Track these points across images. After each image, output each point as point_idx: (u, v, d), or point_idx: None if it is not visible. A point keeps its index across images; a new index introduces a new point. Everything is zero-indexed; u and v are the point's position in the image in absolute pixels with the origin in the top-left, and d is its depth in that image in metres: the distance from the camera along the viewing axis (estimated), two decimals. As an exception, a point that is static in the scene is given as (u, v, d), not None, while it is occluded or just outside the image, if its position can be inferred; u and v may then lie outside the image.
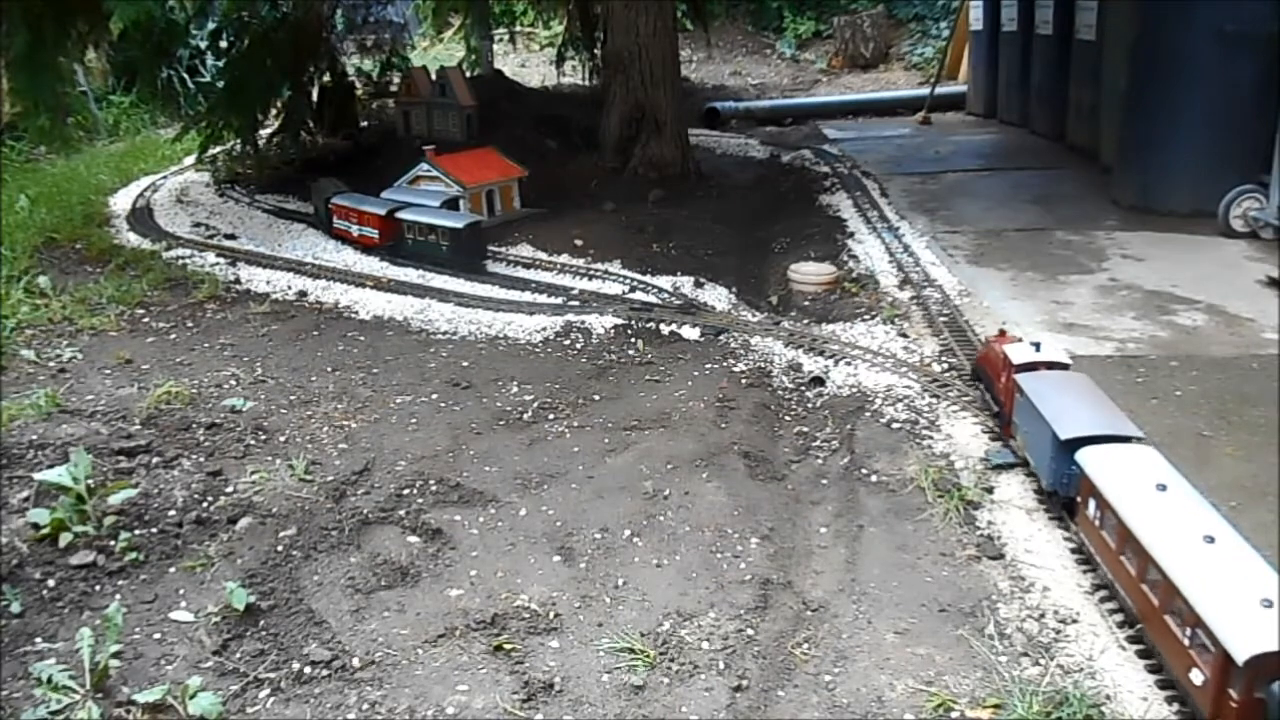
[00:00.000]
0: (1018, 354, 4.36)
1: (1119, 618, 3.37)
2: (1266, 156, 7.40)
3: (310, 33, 10.46)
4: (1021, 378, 4.18)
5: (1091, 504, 3.50)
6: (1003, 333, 4.93)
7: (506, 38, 17.62)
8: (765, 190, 10.12)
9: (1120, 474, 3.41)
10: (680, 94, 10.42)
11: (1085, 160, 10.39)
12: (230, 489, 4.34)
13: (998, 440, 4.60)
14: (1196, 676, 2.80)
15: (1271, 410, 4.77)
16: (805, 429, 5.01)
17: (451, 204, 8.09)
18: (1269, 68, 7.63)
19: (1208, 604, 2.74)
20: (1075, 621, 3.41)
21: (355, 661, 3.33)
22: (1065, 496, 3.82)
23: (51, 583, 3.62)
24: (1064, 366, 4.37)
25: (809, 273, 6.84)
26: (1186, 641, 2.85)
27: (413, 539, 4.02)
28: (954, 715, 3.04)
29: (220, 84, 10.96)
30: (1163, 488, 3.27)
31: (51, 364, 5.80)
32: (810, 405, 5.27)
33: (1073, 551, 3.78)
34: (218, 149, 10.67)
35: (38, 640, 3.38)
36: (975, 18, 13.88)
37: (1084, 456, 3.56)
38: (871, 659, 3.30)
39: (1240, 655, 2.58)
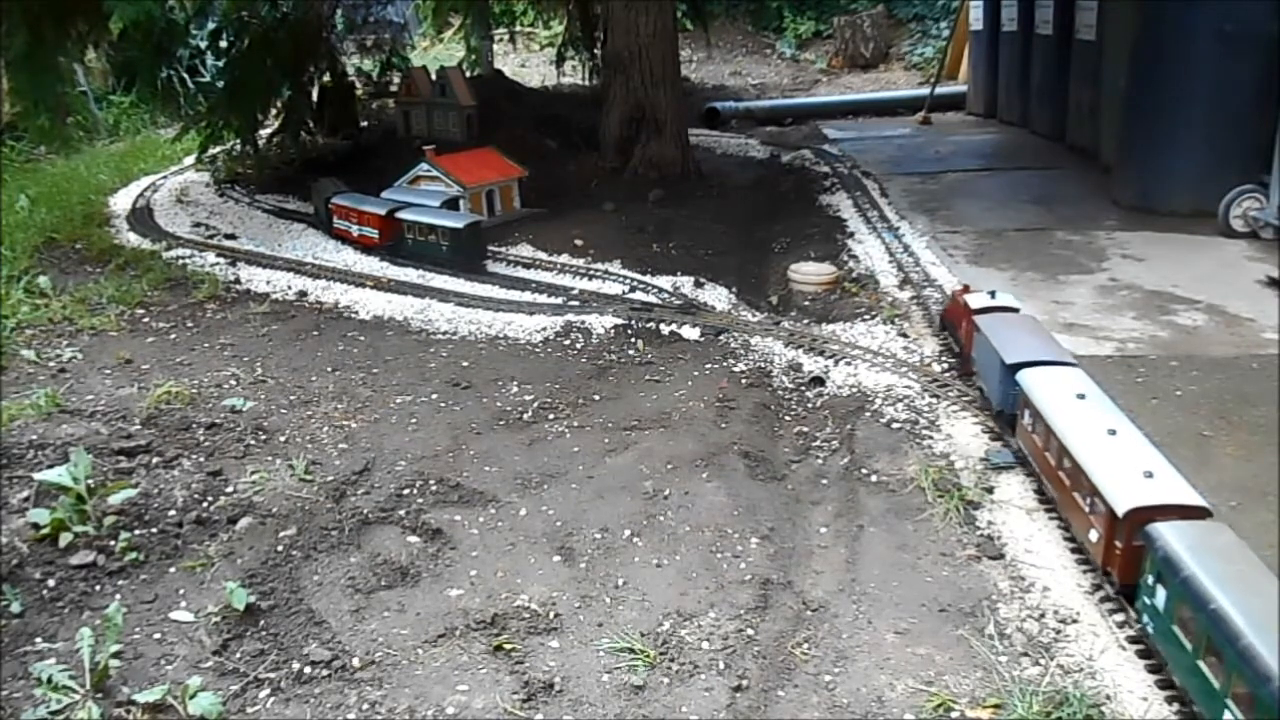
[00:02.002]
0: (976, 301, 5.11)
1: (1119, 617, 3.38)
2: (1266, 156, 7.40)
3: (310, 33, 10.47)
4: (978, 319, 4.87)
5: (1027, 414, 4.18)
6: (966, 287, 5.49)
7: (506, 38, 17.62)
8: (765, 190, 10.12)
9: (1049, 388, 4.07)
10: (680, 94, 10.42)
11: (1085, 160, 10.39)
12: (230, 489, 4.34)
13: (998, 440, 4.60)
14: (1093, 535, 3.49)
15: (1271, 410, 4.77)
16: (805, 429, 5.01)
17: (451, 204, 8.10)
18: (1269, 68, 7.64)
19: (1102, 476, 3.42)
20: (1075, 621, 3.41)
21: (355, 661, 3.33)
22: (1010, 413, 4.43)
23: (51, 583, 3.63)
24: (1014, 310, 5.02)
25: (809, 273, 6.84)
26: (1087, 509, 3.53)
27: (413, 539, 4.02)
28: (954, 715, 3.04)
29: (220, 84, 10.96)
30: (1082, 396, 3.95)
31: (51, 364, 5.80)
32: (810, 405, 5.27)
33: (1072, 551, 3.79)
34: (218, 149, 10.68)
35: (38, 640, 3.38)
36: (975, 18, 13.88)
37: (1022, 376, 4.23)
38: (871, 659, 3.30)
39: (1121, 509, 3.26)
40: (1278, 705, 2.44)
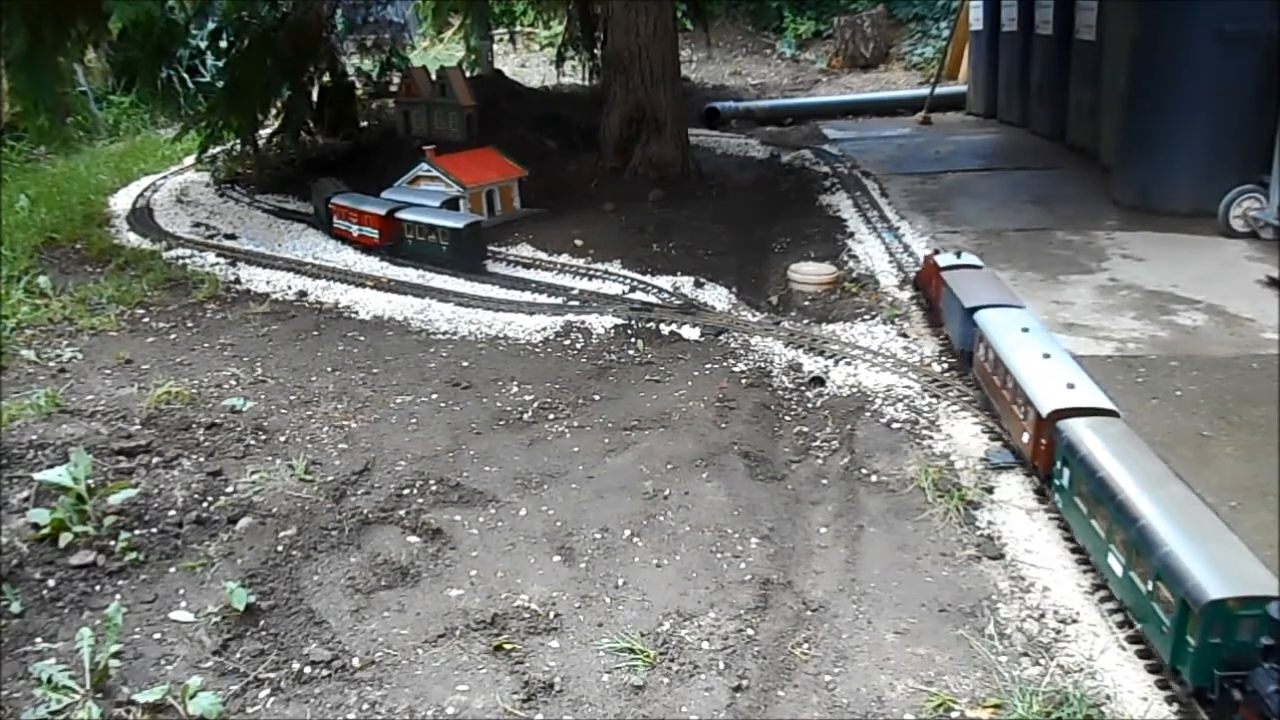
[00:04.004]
0: (943, 260, 5.87)
1: (1119, 618, 3.38)
2: (1266, 156, 7.40)
3: (310, 33, 10.46)
4: (945, 274, 5.61)
5: (981, 347, 4.84)
6: (936, 251, 6.32)
7: (506, 38, 17.62)
8: (765, 190, 10.12)
9: (999, 324, 4.74)
10: (680, 94, 10.41)
11: (1085, 160, 10.39)
12: (230, 489, 4.34)
13: (998, 440, 4.60)
14: (1025, 436, 4.18)
15: (1271, 410, 4.77)
16: (805, 429, 5.01)
17: (451, 204, 8.10)
18: (1269, 68, 7.63)
19: (1033, 387, 4.10)
20: (1075, 621, 3.41)
21: (355, 661, 3.33)
22: (968, 350, 5.08)
23: (51, 583, 3.63)
24: (977, 268, 5.74)
25: (809, 273, 6.84)
26: (1022, 416, 4.20)
27: (413, 539, 4.02)
28: (954, 715, 3.04)
29: (220, 84, 10.95)
30: (1025, 330, 4.59)
31: (51, 364, 5.80)
32: (810, 405, 5.27)
33: (1072, 552, 3.79)
34: (218, 149, 10.67)
35: (38, 640, 3.38)
36: (975, 18, 13.87)
37: (978, 316, 4.89)
38: (871, 659, 3.30)
39: (1045, 411, 3.93)
40: (1141, 541, 3.10)
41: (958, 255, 5.93)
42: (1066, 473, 3.72)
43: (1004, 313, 4.85)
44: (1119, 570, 3.29)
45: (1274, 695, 2.59)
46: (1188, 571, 2.87)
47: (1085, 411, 3.85)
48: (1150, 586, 3.07)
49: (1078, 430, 3.70)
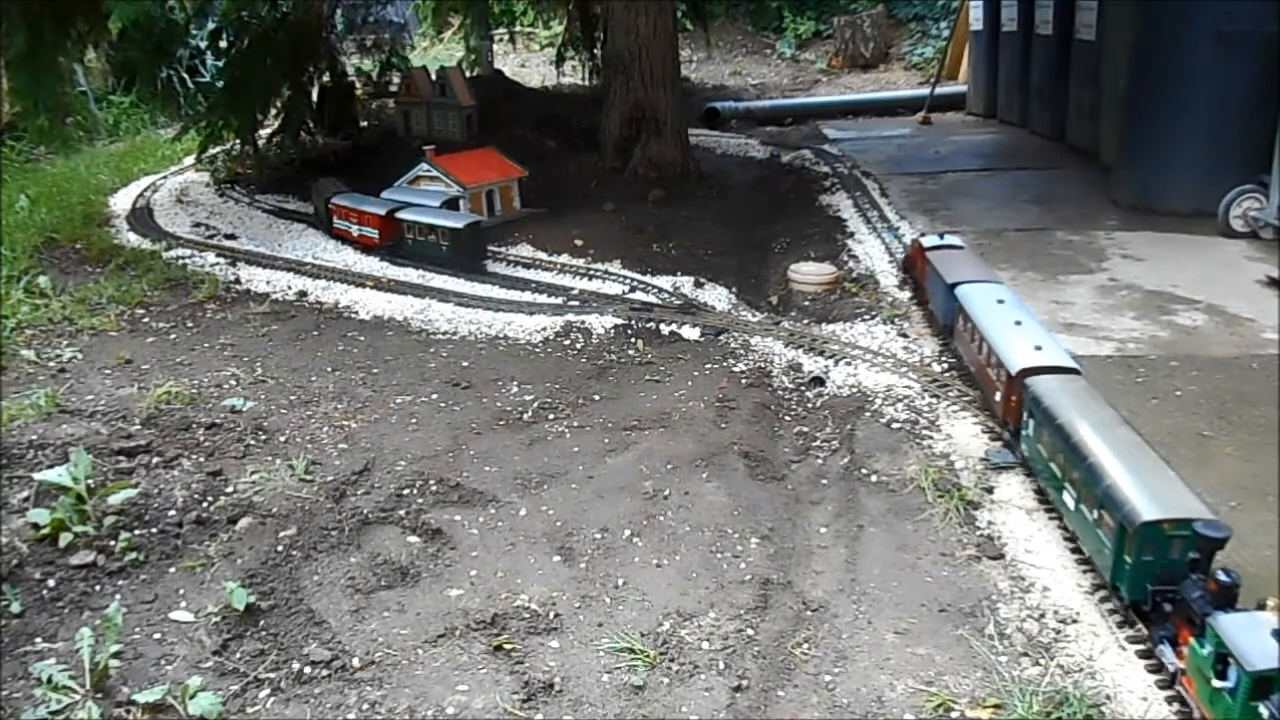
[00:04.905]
0: (928, 242, 6.27)
1: (1118, 618, 3.38)
2: (1266, 156, 7.40)
3: (310, 33, 10.46)
4: (929, 254, 6.00)
5: (961, 319, 5.20)
6: (922, 234, 6.83)
7: (506, 38, 17.63)
8: (765, 190, 10.12)
9: (976, 296, 5.12)
10: (680, 94, 10.41)
11: (1085, 160, 10.38)
12: (230, 489, 4.34)
13: (998, 440, 4.60)
14: (998, 395, 4.56)
15: (1271, 410, 4.77)
16: (805, 429, 5.01)
17: (451, 204, 8.10)
18: (1269, 68, 7.63)
19: (1005, 351, 4.47)
20: (1075, 621, 3.41)
21: (355, 661, 3.33)
22: (950, 324, 5.46)
23: (51, 583, 3.63)
24: (959, 249, 6.13)
25: (809, 273, 6.84)
26: (995, 377, 4.59)
27: (413, 539, 4.02)
28: (954, 715, 3.04)
29: (220, 84, 10.96)
30: (1001, 302, 4.98)
31: (51, 364, 5.80)
32: (810, 405, 5.27)
33: (1072, 552, 3.79)
34: (217, 149, 10.67)
35: (38, 640, 3.38)
36: (975, 18, 13.87)
37: (959, 290, 5.29)
38: (871, 659, 3.30)
39: (1014, 370, 4.30)
40: (1089, 476, 3.46)
41: (941, 237, 6.31)
42: (1031, 423, 4.11)
43: (982, 287, 5.24)
44: (1071, 504, 3.68)
45: (1199, 600, 2.91)
46: (1125, 498, 3.23)
47: (1050, 369, 4.23)
48: (1095, 515, 3.43)
49: (1042, 385, 4.08)
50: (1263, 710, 2.56)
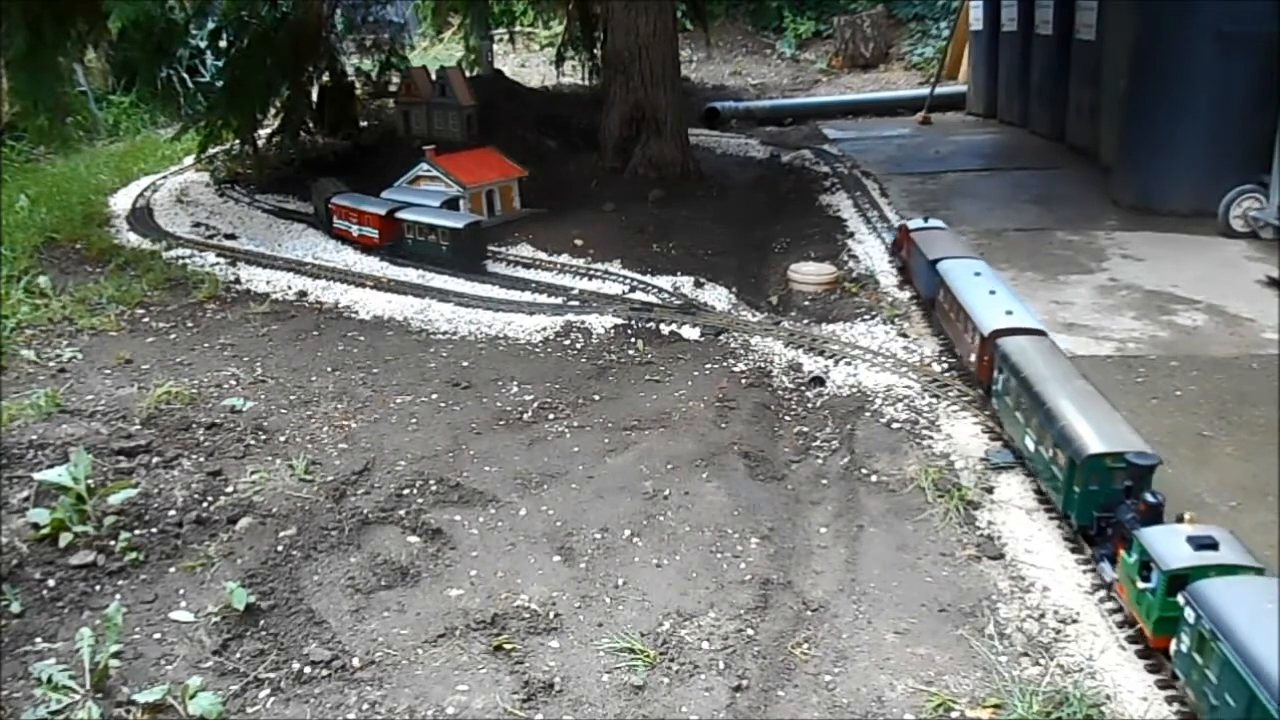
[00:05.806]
0: (913, 225, 6.70)
1: (1119, 617, 3.38)
2: (1266, 156, 7.40)
3: (310, 33, 10.46)
4: (914, 235, 6.46)
5: (941, 291, 5.62)
6: (909, 218, 7.30)
7: (506, 38, 17.63)
8: (765, 190, 10.12)
9: (956, 270, 5.53)
10: (680, 94, 10.42)
11: (1085, 160, 10.39)
12: (230, 489, 4.34)
13: (997, 440, 4.60)
14: (972, 357, 5.01)
15: (1271, 410, 4.77)
16: (805, 429, 5.01)
17: (451, 204, 8.10)
18: (1269, 68, 7.63)
19: (978, 316, 4.93)
20: (1075, 621, 3.41)
21: (355, 661, 3.33)
22: (932, 298, 5.86)
23: (51, 583, 3.63)
24: (941, 229, 6.55)
25: (809, 273, 6.84)
26: (970, 340, 5.03)
27: (413, 539, 4.02)
28: (954, 715, 3.04)
29: (220, 84, 10.94)
30: (977, 274, 5.40)
31: (51, 364, 5.80)
32: (810, 405, 5.27)
33: (1072, 552, 3.79)
34: (217, 149, 10.67)
35: (38, 640, 3.38)
36: (975, 18, 13.87)
37: (940, 266, 5.69)
38: (871, 659, 3.30)
39: (986, 331, 4.78)
40: (1046, 420, 3.86)
41: (925, 220, 6.77)
42: (1000, 379, 4.54)
43: (961, 262, 5.67)
44: (1031, 447, 4.11)
45: (1131, 520, 3.35)
46: (1075, 435, 3.68)
47: (1019, 331, 4.67)
48: (1051, 453, 3.86)
49: (1011, 344, 4.51)
50: (1179, 599, 2.91)
